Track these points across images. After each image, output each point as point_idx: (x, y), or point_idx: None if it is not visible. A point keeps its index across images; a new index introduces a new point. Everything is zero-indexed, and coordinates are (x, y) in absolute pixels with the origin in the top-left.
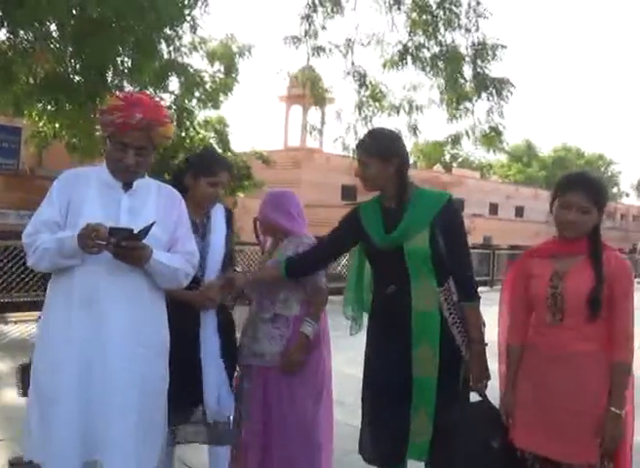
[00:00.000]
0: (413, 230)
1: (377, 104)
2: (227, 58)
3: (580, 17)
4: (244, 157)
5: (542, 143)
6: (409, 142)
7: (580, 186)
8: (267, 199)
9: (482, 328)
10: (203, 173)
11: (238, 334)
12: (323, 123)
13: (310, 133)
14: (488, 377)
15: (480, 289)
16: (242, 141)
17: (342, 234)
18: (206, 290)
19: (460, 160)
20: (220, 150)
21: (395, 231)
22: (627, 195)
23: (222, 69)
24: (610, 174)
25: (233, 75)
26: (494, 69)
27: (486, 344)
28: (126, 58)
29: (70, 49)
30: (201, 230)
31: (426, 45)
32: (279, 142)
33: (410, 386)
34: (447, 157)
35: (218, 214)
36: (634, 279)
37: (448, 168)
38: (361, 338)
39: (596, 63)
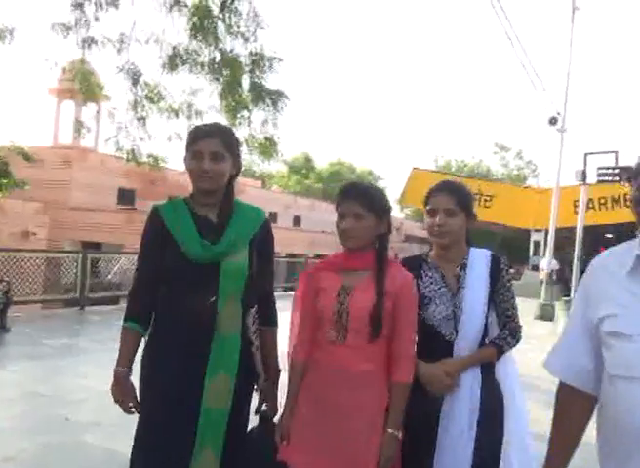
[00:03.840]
0: (237, 245)
1: (153, 105)
2: None
3: (352, 39)
4: (2, 152)
5: (320, 157)
6: None
7: (352, 195)
8: None
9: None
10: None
11: None
12: (98, 121)
13: (79, 130)
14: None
15: None
16: (4, 135)
17: (156, 251)
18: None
19: (243, 169)
20: None
21: (220, 243)
22: (391, 209)
23: None
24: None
25: None
26: (271, 81)
27: (280, 370)
28: None
29: None
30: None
31: (206, 50)
32: (49, 139)
33: (196, 419)
34: None
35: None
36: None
37: None
38: None
39: (362, 86)
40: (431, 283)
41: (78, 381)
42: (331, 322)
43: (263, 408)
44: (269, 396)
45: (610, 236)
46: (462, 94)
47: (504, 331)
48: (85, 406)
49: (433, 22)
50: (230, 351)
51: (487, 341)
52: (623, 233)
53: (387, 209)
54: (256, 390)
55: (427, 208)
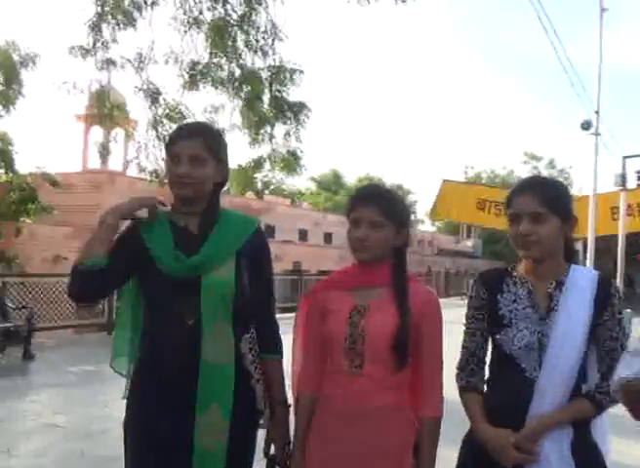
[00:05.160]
0: (218, 258)
1: (174, 125)
2: (7, 67)
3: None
4: (30, 178)
5: (348, 173)
6: None
7: (369, 200)
8: None
9: (285, 386)
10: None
11: None
12: (126, 144)
13: (101, 154)
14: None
15: (290, 315)
16: (34, 162)
17: (120, 254)
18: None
19: (272, 187)
20: (0, 170)
21: (198, 255)
22: (423, 222)
23: (2, 80)
24: (408, 202)
25: (15, 87)
26: (292, 94)
27: (289, 405)
28: None
29: None
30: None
31: (226, 66)
32: (78, 164)
33: (189, 459)
34: (259, 184)
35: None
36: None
37: (259, 194)
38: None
39: (395, 99)
40: (514, 301)
41: (99, 411)
42: (343, 349)
43: (272, 450)
44: (276, 435)
45: None
46: (491, 103)
47: (606, 381)
48: (103, 438)
49: (461, 30)
50: (222, 381)
51: (582, 389)
52: None
53: (408, 217)
54: (261, 428)
55: (509, 212)
